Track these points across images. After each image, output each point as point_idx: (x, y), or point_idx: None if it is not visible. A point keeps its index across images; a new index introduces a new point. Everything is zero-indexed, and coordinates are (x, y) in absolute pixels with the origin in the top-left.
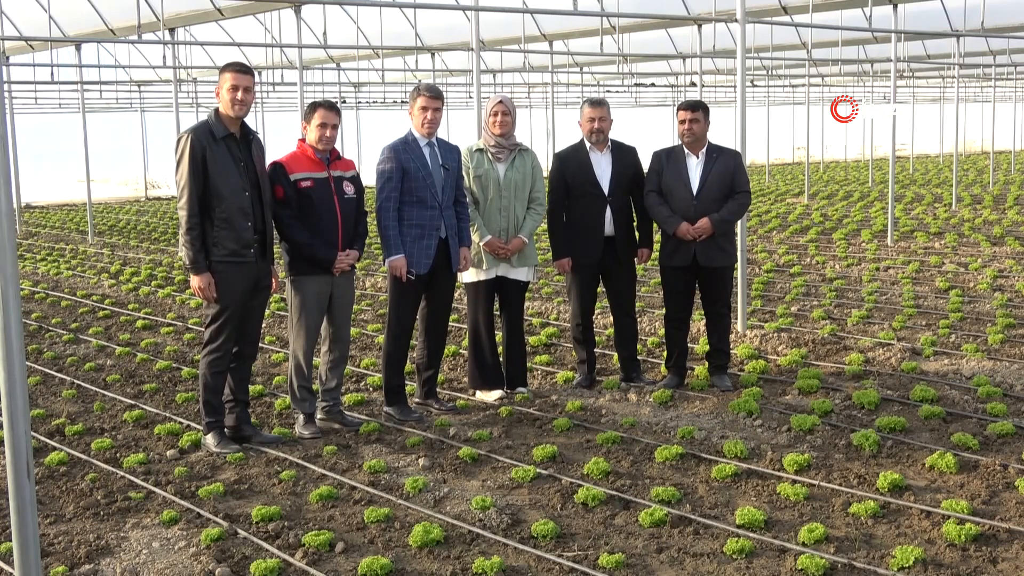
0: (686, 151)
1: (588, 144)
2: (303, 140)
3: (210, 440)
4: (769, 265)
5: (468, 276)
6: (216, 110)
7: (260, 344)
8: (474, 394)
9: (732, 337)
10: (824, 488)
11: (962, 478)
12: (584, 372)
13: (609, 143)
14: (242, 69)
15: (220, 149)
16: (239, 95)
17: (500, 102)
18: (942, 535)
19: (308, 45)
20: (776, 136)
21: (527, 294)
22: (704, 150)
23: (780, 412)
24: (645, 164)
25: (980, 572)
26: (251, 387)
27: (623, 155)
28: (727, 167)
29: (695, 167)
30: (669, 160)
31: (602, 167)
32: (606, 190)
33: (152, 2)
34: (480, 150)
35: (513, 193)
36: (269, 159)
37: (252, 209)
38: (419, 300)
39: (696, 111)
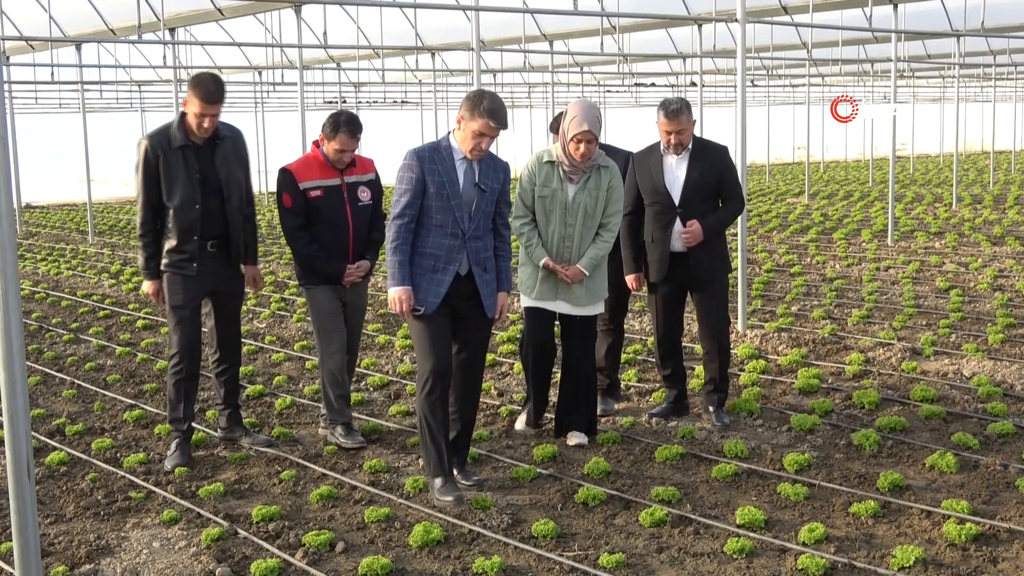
0: (663, 147)
1: (663, 147)
2: (317, 144)
3: (169, 454)
4: (769, 265)
5: (526, 300)
6: (183, 114)
7: (260, 344)
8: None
9: (732, 337)
10: (824, 488)
11: (962, 478)
12: (668, 400)
13: (689, 146)
14: (210, 99)
15: (175, 159)
16: (205, 123)
17: (587, 129)
18: (942, 535)
19: (308, 45)
20: (776, 136)
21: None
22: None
23: (780, 412)
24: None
25: (980, 572)
26: (251, 387)
27: (706, 158)
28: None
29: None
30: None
31: (675, 173)
32: (676, 200)
33: (152, 2)
34: (552, 162)
35: (580, 220)
36: (270, 160)
37: (202, 222)
38: (451, 339)
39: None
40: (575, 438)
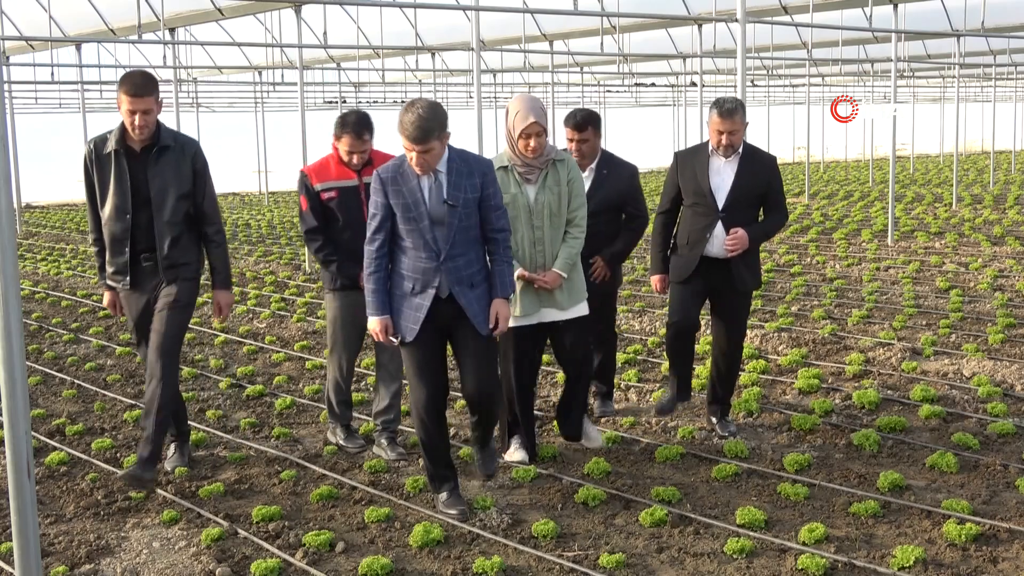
0: (711, 147)
1: (711, 147)
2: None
3: (169, 456)
4: (769, 265)
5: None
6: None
7: (260, 344)
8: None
9: None
10: (824, 488)
11: (962, 478)
12: (671, 393)
13: (739, 150)
14: (136, 91)
15: (107, 164)
16: (137, 120)
17: (534, 121)
18: (942, 535)
19: (308, 45)
20: (776, 136)
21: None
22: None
23: (780, 412)
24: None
25: (980, 572)
26: (251, 387)
27: (755, 164)
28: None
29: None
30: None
31: (722, 176)
32: (721, 203)
33: (152, 2)
34: (505, 167)
35: (547, 220)
36: (270, 159)
37: (133, 233)
38: (444, 360)
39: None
40: (595, 441)
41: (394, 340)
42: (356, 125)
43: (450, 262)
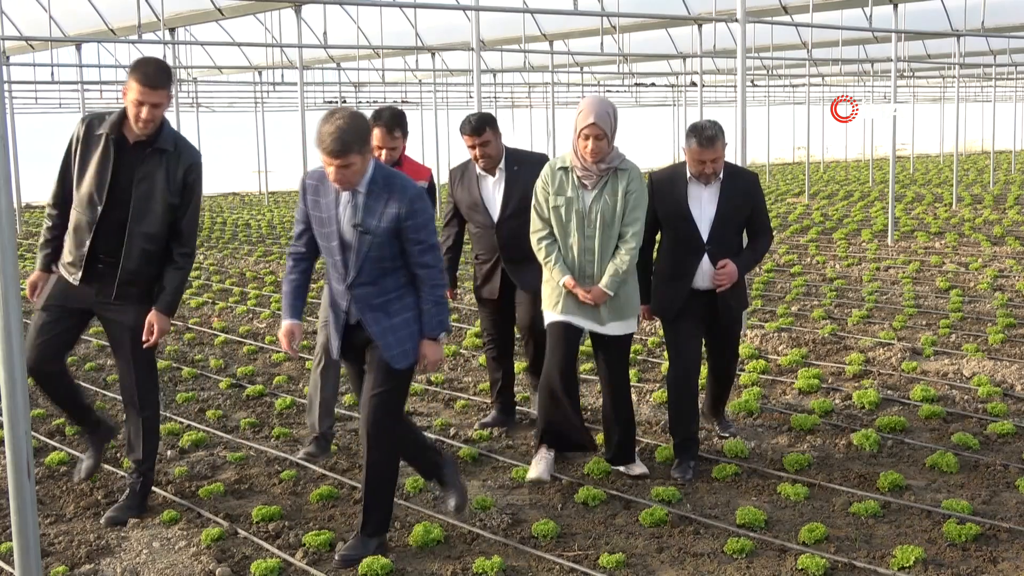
0: (689, 173)
1: (690, 174)
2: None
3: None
4: (769, 265)
5: (550, 315)
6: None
7: (260, 344)
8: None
9: None
10: (824, 488)
11: (962, 478)
12: (688, 461)
13: (720, 174)
14: (149, 82)
15: (92, 146)
16: (144, 113)
17: (593, 122)
18: (943, 535)
19: (308, 45)
20: (776, 136)
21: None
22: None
23: (780, 412)
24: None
25: (980, 572)
26: (251, 387)
27: (738, 187)
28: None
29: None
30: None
31: (703, 204)
32: (705, 235)
33: (152, 2)
34: (565, 168)
35: (599, 229)
36: (271, 160)
37: (97, 228)
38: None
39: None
40: (638, 468)
41: (294, 350)
42: (388, 120)
43: (359, 288)
